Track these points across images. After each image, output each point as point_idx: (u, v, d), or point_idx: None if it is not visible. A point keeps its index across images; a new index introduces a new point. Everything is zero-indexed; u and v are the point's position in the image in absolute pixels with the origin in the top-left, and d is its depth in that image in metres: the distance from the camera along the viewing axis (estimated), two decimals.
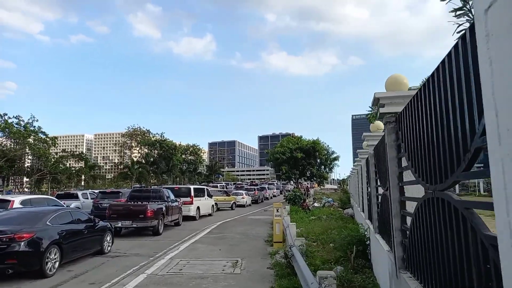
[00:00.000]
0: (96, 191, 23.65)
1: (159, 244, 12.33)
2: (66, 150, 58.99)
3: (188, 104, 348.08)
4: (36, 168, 36.61)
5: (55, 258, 7.97)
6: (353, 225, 12.61)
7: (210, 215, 23.26)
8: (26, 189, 38.39)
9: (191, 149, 69.51)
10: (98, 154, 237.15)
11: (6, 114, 29.34)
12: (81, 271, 8.44)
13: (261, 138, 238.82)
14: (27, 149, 30.23)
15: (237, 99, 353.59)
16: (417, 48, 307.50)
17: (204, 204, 22.37)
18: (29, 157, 32.57)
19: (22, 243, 7.16)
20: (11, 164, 29.64)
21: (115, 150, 70.92)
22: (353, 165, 21.65)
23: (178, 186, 23.91)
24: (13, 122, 29.40)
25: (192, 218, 20.41)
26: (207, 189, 23.97)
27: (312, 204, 23.62)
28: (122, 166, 60.73)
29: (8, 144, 29.89)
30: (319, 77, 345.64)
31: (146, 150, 58.36)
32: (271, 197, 45.74)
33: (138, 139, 58.52)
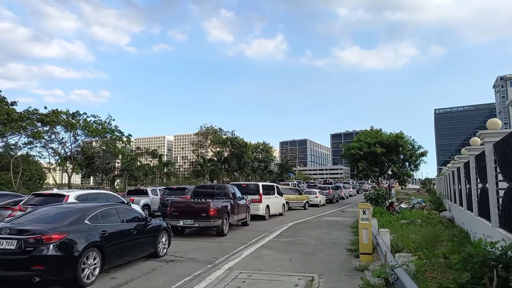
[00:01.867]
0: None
1: (221, 247, 10.75)
2: (141, 148, 62.16)
3: (259, 105, 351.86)
4: (114, 166, 38.98)
5: (94, 264, 6.69)
6: (462, 234, 9.68)
7: (281, 214, 21.44)
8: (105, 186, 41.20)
9: (261, 147, 68.72)
10: (177, 154, 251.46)
11: (85, 113, 31.34)
12: (126, 279, 7.08)
13: (333, 136, 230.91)
14: (104, 147, 31.88)
15: (308, 98, 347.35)
16: (510, 33, 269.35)
17: (274, 202, 20.57)
18: (107, 155, 34.43)
19: (51, 246, 5.93)
20: (90, 161, 31.48)
21: (192, 149, 73.28)
22: (451, 162, 18.12)
23: (245, 183, 22.45)
24: (91, 121, 31.20)
25: (261, 218, 18.74)
26: (277, 186, 22.11)
27: (399, 205, 20.35)
28: (194, 164, 62.19)
29: (88, 142, 31.88)
30: (396, 71, 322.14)
31: (217, 148, 58.89)
32: (347, 197, 42.42)
33: (210, 137, 59.41)
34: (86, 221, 6.88)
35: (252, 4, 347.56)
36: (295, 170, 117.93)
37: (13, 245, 5.88)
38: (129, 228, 7.99)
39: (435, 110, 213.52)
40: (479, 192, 9.83)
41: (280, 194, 22.13)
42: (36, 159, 36.14)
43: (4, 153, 29.91)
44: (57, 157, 30.93)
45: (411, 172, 35.69)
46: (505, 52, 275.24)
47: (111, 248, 7.19)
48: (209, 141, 60.29)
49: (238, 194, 16.04)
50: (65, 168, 32.71)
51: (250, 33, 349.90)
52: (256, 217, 18.52)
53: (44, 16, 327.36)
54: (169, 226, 9.96)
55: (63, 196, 10.22)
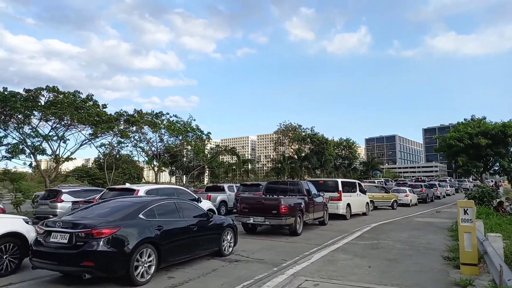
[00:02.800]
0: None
1: (292, 247, 9.79)
2: (220, 145, 64.05)
3: (342, 101, 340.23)
4: (196, 164, 40.65)
5: (149, 261, 6.29)
6: None
7: (364, 214, 19.63)
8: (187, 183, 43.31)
9: (344, 143, 65.41)
10: (261, 153, 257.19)
11: (168, 113, 33.02)
12: (183, 280, 6.57)
13: (426, 131, 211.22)
14: (186, 145, 33.30)
15: (396, 91, 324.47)
16: None
17: (356, 201, 18.85)
18: (190, 154, 35.94)
19: (102, 241, 5.63)
20: (174, 160, 33.20)
21: (272, 148, 73.60)
22: None
23: (323, 179, 21.05)
24: (174, 120, 32.81)
25: (342, 217, 17.28)
26: (359, 183, 20.29)
27: (510, 205, 16.95)
28: (274, 162, 61.85)
29: (171, 142, 33.74)
30: (501, 55, 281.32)
31: (297, 146, 57.65)
32: (444, 196, 37.82)
33: (290, 134, 58.53)
34: (140, 216, 6.53)
35: None
36: (383, 168, 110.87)
37: (66, 239, 5.73)
38: (189, 224, 7.51)
39: None
40: None
41: (363, 192, 20.28)
42: (136, 159, 39.69)
43: (105, 153, 33.21)
44: (145, 155, 33.47)
45: None
46: None
47: (168, 245, 6.75)
48: (288, 139, 59.50)
49: (314, 191, 14.86)
50: (152, 166, 35.15)
51: (332, 29, 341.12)
52: (336, 216, 17.15)
53: (142, 31, 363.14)
54: (234, 223, 9.31)
55: (134, 190, 10.30)
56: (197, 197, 12.74)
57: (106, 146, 31.44)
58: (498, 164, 31.11)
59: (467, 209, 6.21)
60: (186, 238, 7.34)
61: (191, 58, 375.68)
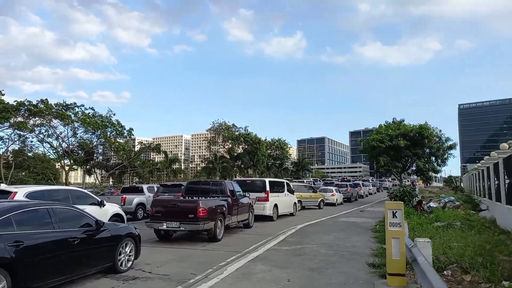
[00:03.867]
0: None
1: (208, 256, 8.54)
2: (144, 143, 60.68)
3: (278, 103, 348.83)
4: (116, 162, 37.29)
5: None
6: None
7: (291, 214, 19.14)
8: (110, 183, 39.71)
9: (276, 143, 66.07)
10: (195, 152, 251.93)
11: (83, 105, 29.59)
12: None
13: (352, 134, 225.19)
14: (104, 141, 30.17)
15: (327, 95, 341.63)
16: None
17: (284, 201, 18.25)
18: (109, 151, 32.80)
19: None
20: (89, 157, 29.86)
21: (206, 147, 71.59)
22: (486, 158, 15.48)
23: (250, 179, 20.19)
24: (90, 113, 29.43)
25: (269, 218, 16.51)
26: (287, 183, 19.76)
27: (427, 204, 17.65)
28: (206, 161, 60.15)
29: (86, 137, 30.25)
30: (420, 66, 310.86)
31: (230, 145, 56.65)
32: (367, 195, 39.61)
33: (223, 134, 57.31)
34: None
35: (271, 2, 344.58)
36: (312, 168, 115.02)
37: None
38: (67, 236, 5.85)
39: (459, 105, 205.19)
40: None
41: (291, 192, 19.81)
42: (51, 157, 34.83)
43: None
44: (54, 152, 29.37)
45: (438, 167, 32.47)
46: None
47: (31, 265, 5.06)
48: (222, 138, 58.26)
49: (239, 191, 13.80)
50: (62, 164, 31.11)
51: (270, 32, 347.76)
52: (262, 218, 16.32)
53: (70, 20, 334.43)
54: (137, 231, 7.77)
55: (10, 193, 8.20)
56: (99, 200, 10.86)
57: (5, 140, 27.06)
58: (415, 165, 33.26)
59: (396, 212, 5.51)
60: (62, 254, 5.68)
61: (124, 52, 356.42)
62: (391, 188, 29.14)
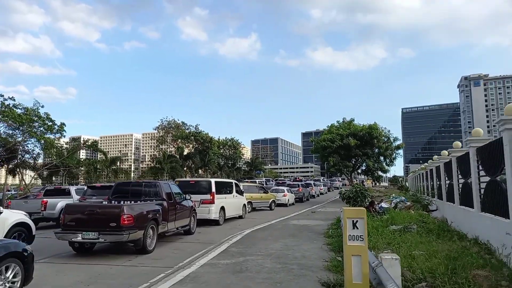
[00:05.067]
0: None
1: (127, 276, 6.85)
2: (77, 139, 56.43)
3: (232, 104, 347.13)
4: (46, 161, 33.56)
5: None
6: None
7: (240, 217, 17.83)
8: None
9: (229, 143, 64.41)
10: (146, 152, 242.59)
11: (2, 95, 25.69)
12: None
13: (304, 135, 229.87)
14: (29, 137, 26.54)
15: (281, 97, 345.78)
16: (476, 36, 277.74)
17: (232, 203, 16.85)
18: (36, 149, 29.28)
19: None
20: (11, 155, 26.10)
21: (155, 146, 68.06)
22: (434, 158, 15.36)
23: (194, 179, 18.52)
24: (10, 104, 25.68)
25: (214, 223, 15.03)
26: (236, 183, 18.36)
27: (379, 204, 17.13)
28: (154, 161, 56.85)
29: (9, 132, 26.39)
30: (367, 72, 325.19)
31: (180, 144, 53.94)
32: (318, 195, 39.38)
33: (172, 132, 54.53)
34: None
35: (226, 2, 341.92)
36: (266, 168, 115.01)
37: None
38: None
39: (402, 109, 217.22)
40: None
41: (240, 193, 18.46)
42: None
43: None
44: None
45: (387, 167, 32.91)
46: (470, 54, 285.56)
47: None
48: (171, 136, 55.44)
49: (179, 193, 12.15)
50: None
51: (225, 32, 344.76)
52: (208, 222, 14.82)
53: (10, 9, 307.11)
54: (27, 248, 5.90)
55: None
56: None
57: None
58: (365, 164, 33.45)
59: (357, 221, 4.28)
60: None
61: (70, 46, 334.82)
62: (342, 188, 28.89)
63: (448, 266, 5.36)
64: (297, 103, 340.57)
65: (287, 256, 8.09)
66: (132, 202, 10.16)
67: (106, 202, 10.85)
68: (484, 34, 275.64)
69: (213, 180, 15.71)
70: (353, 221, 4.32)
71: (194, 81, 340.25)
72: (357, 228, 4.28)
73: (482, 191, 8.78)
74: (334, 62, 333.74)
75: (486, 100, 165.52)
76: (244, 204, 18.66)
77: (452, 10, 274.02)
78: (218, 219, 15.10)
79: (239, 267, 7.06)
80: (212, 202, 15.02)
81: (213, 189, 15.18)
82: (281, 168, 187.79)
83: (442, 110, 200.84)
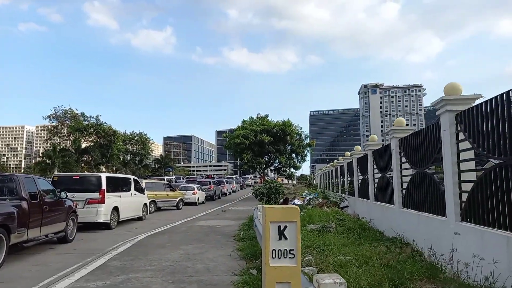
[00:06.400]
0: None
1: None
2: None
3: (144, 98, 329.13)
4: None
5: None
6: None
7: (140, 218, 15.44)
8: None
9: (136, 137, 59.33)
10: (40, 146, 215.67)
11: None
12: None
13: (219, 133, 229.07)
14: None
15: (197, 94, 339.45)
16: (374, 50, 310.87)
17: (128, 202, 14.32)
18: None
19: None
20: None
21: (46, 138, 59.49)
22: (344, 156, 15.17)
23: (79, 174, 15.46)
24: None
25: (105, 226, 12.42)
26: (135, 180, 15.79)
27: (292, 201, 16.29)
28: (43, 156, 49.08)
29: None
30: (280, 75, 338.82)
31: (76, 137, 47.38)
32: (230, 193, 38.19)
33: (67, 123, 47.69)
34: None
35: None
36: (178, 166, 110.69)
37: None
38: None
39: (310, 112, 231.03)
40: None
41: (141, 190, 15.97)
42: None
43: None
44: None
45: (298, 164, 33.06)
46: (368, 64, 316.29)
47: None
48: (66, 128, 48.58)
49: (51, 190, 9.39)
50: None
51: (138, 23, 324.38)
52: (98, 226, 12.18)
53: None
54: None
55: None
56: None
57: None
58: (278, 161, 33.15)
59: (285, 227, 2.65)
60: None
61: None
62: (251, 186, 28.00)
63: (391, 279, 4.11)
64: (213, 101, 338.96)
65: (185, 270, 6.21)
66: None
67: None
68: (380, 48, 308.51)
69: (103, 175, 12.96)
70: (279, 226, 2.68)
71: (103, 71, 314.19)
72: (286, 238, 2.66)
73: (405, 185, 8.08)
74: (249, 63, 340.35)
75: (381, 107, 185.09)
76: (145, 204, 16.23)
77: (355, 24, 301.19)
78: (109, 221, 12.49)
79: None
80: (101, 201, 12.34)
81: (103, 186, 12.50)
82: (194, 166, 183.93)
83: (345, 114, 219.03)
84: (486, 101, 4.85)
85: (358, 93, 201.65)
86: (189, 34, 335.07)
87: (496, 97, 4.59)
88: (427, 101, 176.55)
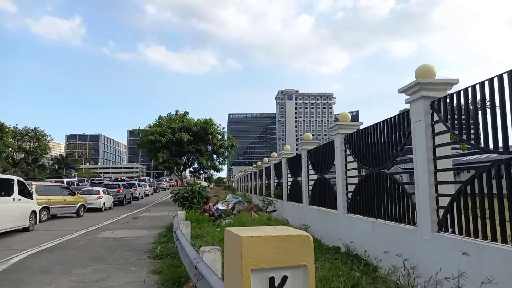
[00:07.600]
0: None
1: None
2: None
3: (45, 91, 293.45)
4: None
5: None
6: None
7: (26, 229, 12.43)
8: None
9: (30, 133, 51.16)
10: None
11: None
12: None
13: (131, 133, 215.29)
14: None
15: (108, 91, 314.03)
16: (289, 59, 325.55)
17: (8, 210, 11.32)
18: None
19: None
20: None
21: None
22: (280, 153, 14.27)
23: None
24: None
25: None
26: (20, 182, 12.61)
27: (215, 206, 14.71)
28: None
29: None
30: (199, 76, 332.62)
31: None
32: (142, 197, 34.90)
33: None
34: None
35: None
36: (82, 168, 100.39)
37: None
38: None
39: (229, 114, 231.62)
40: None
41: (28, 194, 12.86)
42: None
43: None
44: None
45: (220, 165, 31.47)
46: (284, 72, 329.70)
47: None
48: None
49: None
50: None
51: (40, 8, 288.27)
52: None
53: None
54: None
55: None
56: None
57: None
58: (197, 162, 31.13)
59: (284, 280, 1.12)
60: None
61: None
62: (167, 189, 25.66)
63: None
64: (126, 99, 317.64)
65: None
66: None
67: None
68: (294, 58, 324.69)
69: None
70: (271, 279, 1.16)
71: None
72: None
73: (351, 188, 7.17)
74: (167, 62, 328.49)
75: (296, 112, 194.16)
76: (34, 211, 13.14)
77: (272, 33, 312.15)
78: None
79: None
80: None
81: None
82: (101, 168, 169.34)
83: (262, 119, 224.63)
84: (474, 85, 3.99)
85: (275, 98, 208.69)
86: (101, 26, 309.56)
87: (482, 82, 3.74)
88: (337, 109, 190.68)
